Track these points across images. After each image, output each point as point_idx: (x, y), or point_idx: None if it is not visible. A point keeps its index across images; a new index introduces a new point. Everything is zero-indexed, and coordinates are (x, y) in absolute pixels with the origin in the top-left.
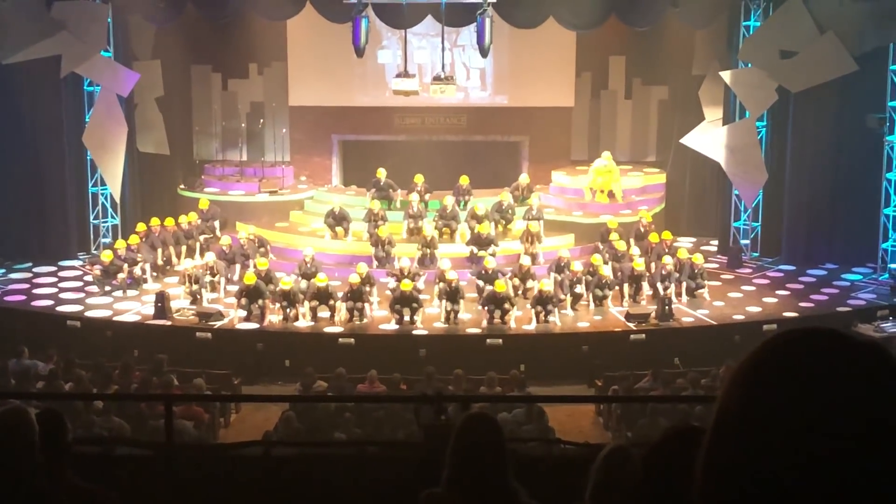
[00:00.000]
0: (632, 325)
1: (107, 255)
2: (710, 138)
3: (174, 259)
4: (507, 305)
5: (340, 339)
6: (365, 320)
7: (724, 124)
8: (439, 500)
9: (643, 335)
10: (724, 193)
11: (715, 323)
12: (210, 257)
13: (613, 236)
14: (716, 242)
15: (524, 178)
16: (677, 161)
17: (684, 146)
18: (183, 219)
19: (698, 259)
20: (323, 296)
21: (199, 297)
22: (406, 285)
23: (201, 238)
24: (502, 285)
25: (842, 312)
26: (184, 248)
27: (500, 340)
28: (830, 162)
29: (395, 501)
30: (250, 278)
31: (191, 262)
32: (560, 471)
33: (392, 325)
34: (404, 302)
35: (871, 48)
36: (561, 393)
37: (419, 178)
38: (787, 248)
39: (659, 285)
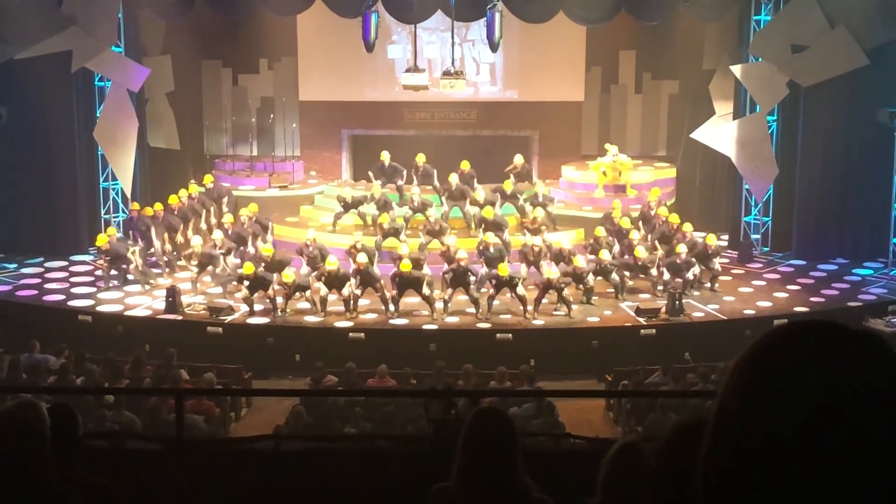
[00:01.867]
0: (642, 320)
1: (102, 239)
2: (720, 133)
3: (185, 235)
4: (515, 282)
5: (350, 334)
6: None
7: (734, 119)
8: (449, 494)
9: (653, 330)
10: (735, 188)
11: (725, 318)
12: (218, 235)
13: (616, 214)
14: (726, 237)
15: (518, 159)
16: (687, 156)
17: (695, 141)
18: (183, 192)
19: (711, 240)
20: (335, 281)
21: (222, 280)
22: (405, 266)
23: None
24: (505, 269)
25: (853, 307)
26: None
27: (510, 335)
28: (841, 156)
29: (405, 495)
30: (249, 268)
31: (199, 241)
32: (570, 465)
33: (403, 321)
34: (407, 284)
35: (883, 42)
36: (571, 388)
37: (421, 158)
38: (797, 242)
39: (665, 270)
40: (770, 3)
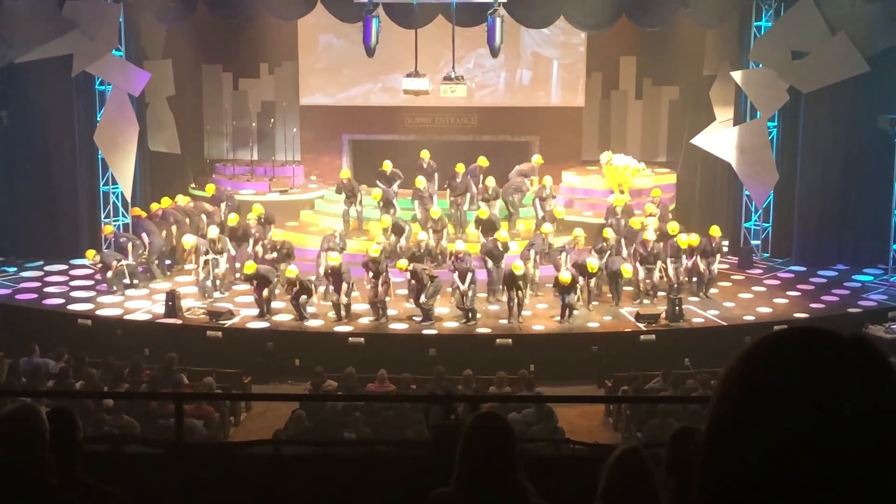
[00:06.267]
0: (642, 326)
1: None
2: (720, 139)
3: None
4: (520, 284)
5: (350, 339)
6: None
7: (734, 125)
8: (449, 499)
9: (653, 336)
10: (735, 194)
11: (725, 324)
12: (214, 231)
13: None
14: (726, 243)
15: (536, 159)
16: (688, 161)
17: (695, 146)
18: (181, 198)
19: (715, 231)
20: (335, 276)
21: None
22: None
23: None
24: (519, 267)
25: (852, 314)
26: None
27: (510, 340)
28: (841, 163)
29: (404, 501)
30: (250, 268)
31: (216, 230)
32: (570, 471)
33: (402, 325)
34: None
35: (883, 49)
36: (570, 393)
37: (425, 154)
38: (797, 248)
39: (670, 262)
40: (771, 9)
